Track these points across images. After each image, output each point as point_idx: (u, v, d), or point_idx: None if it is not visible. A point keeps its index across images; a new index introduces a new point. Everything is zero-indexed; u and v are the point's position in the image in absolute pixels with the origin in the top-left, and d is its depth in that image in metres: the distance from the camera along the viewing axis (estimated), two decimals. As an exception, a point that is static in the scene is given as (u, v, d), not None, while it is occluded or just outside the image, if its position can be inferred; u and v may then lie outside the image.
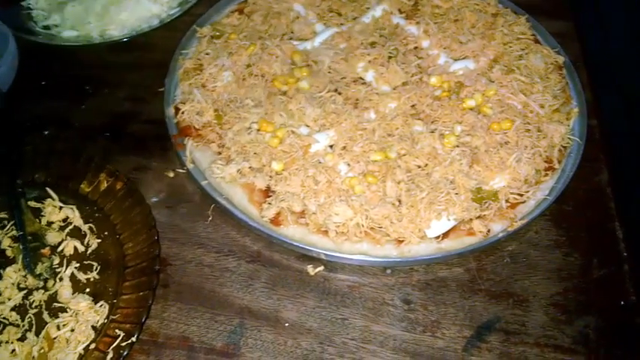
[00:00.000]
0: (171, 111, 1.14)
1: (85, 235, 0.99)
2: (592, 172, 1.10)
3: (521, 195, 1.01)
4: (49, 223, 1.00)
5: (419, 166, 1.03)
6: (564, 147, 1.08)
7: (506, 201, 1.01)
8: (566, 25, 1.37)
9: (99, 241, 0.98)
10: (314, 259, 0.98)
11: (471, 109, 1.11)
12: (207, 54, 1.21)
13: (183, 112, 1.11)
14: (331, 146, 1.07)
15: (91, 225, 1.00)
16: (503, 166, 1.03)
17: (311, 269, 0.97)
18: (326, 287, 0.96)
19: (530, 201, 1.02)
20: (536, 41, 1.26)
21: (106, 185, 1.03)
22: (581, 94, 1.17)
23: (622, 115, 1.37)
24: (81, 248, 0.97)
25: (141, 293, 0.88)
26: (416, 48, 1.24)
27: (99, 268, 0.95)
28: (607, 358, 0.89)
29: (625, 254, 1.00)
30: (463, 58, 1.21)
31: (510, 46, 1.22)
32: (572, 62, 1.23)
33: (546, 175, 1.04)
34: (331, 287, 0.96)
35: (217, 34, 1.26)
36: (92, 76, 1.27)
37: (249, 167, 1.03)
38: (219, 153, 1.06)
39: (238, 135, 1.06)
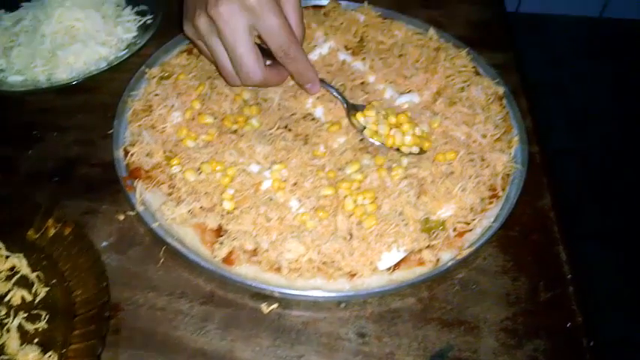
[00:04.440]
0: (120, 153, 1.14)
1: (33, 284, 0.97)
2: (535, 197, 1.14)
3: (468, 223, 1.04)
4: (-5, 274, 0.98)
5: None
6: (507, 174, 1.12)
7: (454, 230, 1.03)
8: (505, 56, 1.43)
9: (47, 289, 0.96)
10: (268, 297, 0.98)
11: (418, 141, 1.14)
12: (156, 95, 1.21)
13: (132, 154, 1.11)
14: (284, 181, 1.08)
15: (38, 273, 0.98)
16: (449, 195, 1.06)
17: (265, 307, 0.97)
18: (280, 325, 0.96)
19: (477, 229, 1.05)
20: (477, 73, 1.31)
21: (54, 231, 1.01)
22: (521, 122, 1.22)
23: (562, 141, 1.43)
24: (28, 297, 0.95)
25: (89, 342, 0.86)
26: (362, 83, 1.27)
27: (47, 317, 0.93)
28: (557, 379, 0.91)
29: (569, 276, 1.03)
30: (408, 92, 1.25)
31: (453, 79, 1.27)
32: (511, 92, 1.28)
33: (491, 202, 1.08)
34: (286, 324, 0.96)
35: (166, 74, 1.27)
36: (40, 120, 1.25)
37: (200, 207, 1.03)
38: (170, 194, 1.06)
39: (189, 175, 1.06)
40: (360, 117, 1.16)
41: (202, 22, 1.06)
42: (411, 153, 1.12)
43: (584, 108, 1.70)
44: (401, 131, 1.13)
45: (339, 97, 1.18)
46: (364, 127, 1.15)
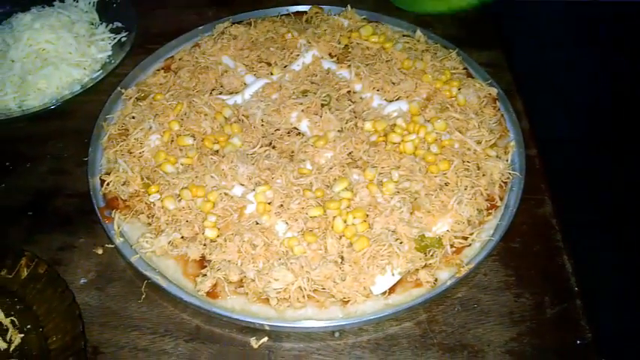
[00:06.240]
0: (96, 182, 1.08)
1: (7, 330, 0.91)
2: (535, 204, 1.08)
3: (466, 238, 0.98)
4: (-33, 322, 0.92)
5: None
6: (505, 182, 1.06)
7: (451, 246, 0.98)
8: (495, 54, 1.37)
9: (22, 335, 0.90)
10: (257, 330, 0.92)
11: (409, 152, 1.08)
12: (132, 117, 1.16)
13: (108, 184, 1.05)
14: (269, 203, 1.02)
15: (13, 318, 0.92)
16: (445, 209, 1.00)
17: (254, 342, 0.91)
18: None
19: (476, 243, 0.99)
20: (468, 74, 1.25)
21: (26, 273, 0.95)
22: (516, 124, 1.16)
23: (561, 138, 1.37)
24: (3, 345, 0.90)
25: (66, 394, 0.81)
26: (349, 92, 1.21)
27: (23, 366, 0.87)
28: (568, 403, 0.86)
29: (576, 288, 0.97)
30: (397, 99, 1.19)
31: (443, 83, 1.21)
32: (505, 92, 1.22)
33: (489, 213, 1.02)
34: (277, 359, 0.90)
35: (143, 94, 1.21)
36: (12, 150, 1.20)
37: (181, 237, 0.97)
38: (150, 224, 1.00)
39: (168, 203, 1.01)
40: None
41: None
42: None
43: (572, 94, 1.65)
44: None
45: None
46: None
